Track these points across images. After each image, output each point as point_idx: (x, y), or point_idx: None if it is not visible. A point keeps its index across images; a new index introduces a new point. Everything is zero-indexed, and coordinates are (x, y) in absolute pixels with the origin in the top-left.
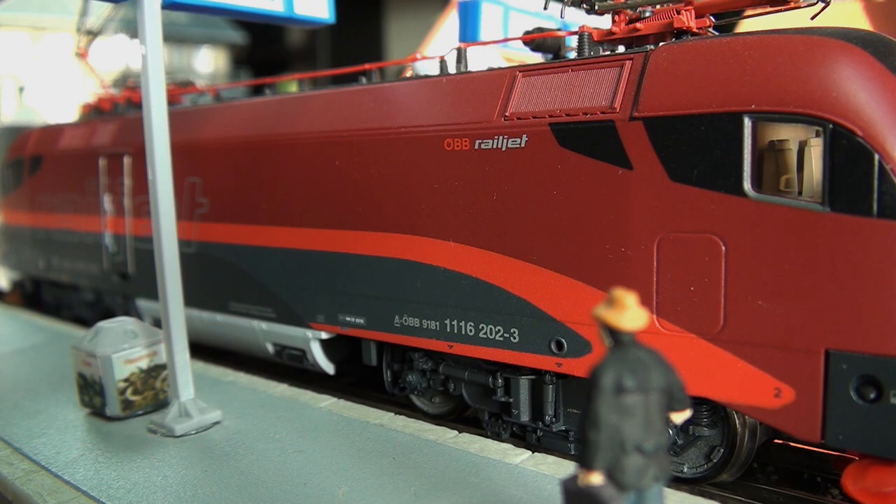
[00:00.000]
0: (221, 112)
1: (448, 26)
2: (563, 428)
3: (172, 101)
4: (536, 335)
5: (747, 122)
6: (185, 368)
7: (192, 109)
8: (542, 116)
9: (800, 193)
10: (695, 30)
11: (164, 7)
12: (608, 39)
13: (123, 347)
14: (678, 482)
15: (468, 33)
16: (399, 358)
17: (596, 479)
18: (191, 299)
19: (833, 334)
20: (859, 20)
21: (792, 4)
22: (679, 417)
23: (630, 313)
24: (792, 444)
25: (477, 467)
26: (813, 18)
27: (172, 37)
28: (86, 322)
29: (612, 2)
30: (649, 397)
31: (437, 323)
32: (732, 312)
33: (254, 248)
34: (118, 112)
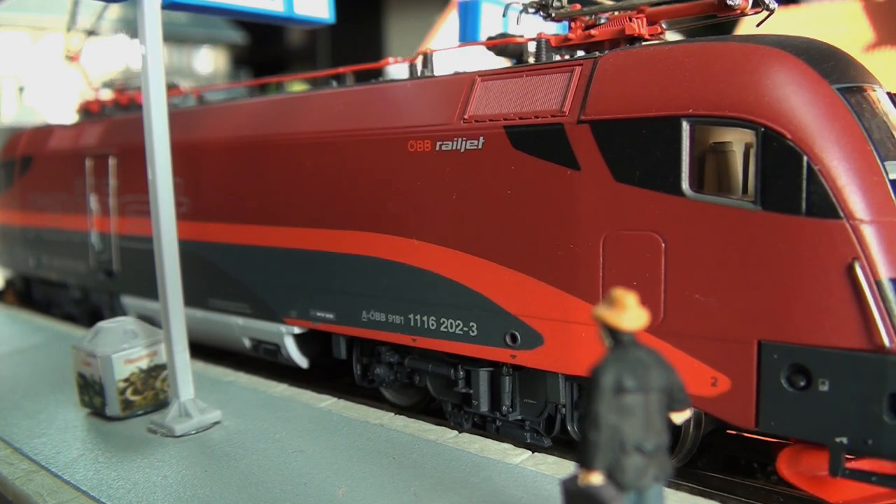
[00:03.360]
0: (201, 115)
1: (448, 26)
2: (520, 417)
3: None
4: (493, 328)
5: (685, 126)
6: (185, 368)
7: (173, 112)
8: (498, 119)
9: (745, 193)
10: (647, 37)
11: (164, 7)
12: (565, 45)
13: (123, 347)
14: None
15: (468, 33)
16: (368, 352)
17: (596, 479)
18: None
19: (765, 326)
20: (859, 20)
21: (739, 11)
22: (679, 417)
23: (630, 313)
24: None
25: (477, 467)
26: (758, 26)
27: (172, 37)
28: (74, 319)
29: (568, 9)
30: (649, 397)
31: (402, 318)
32: (672, 306)
33: (231, 246)
34: (105, 114)
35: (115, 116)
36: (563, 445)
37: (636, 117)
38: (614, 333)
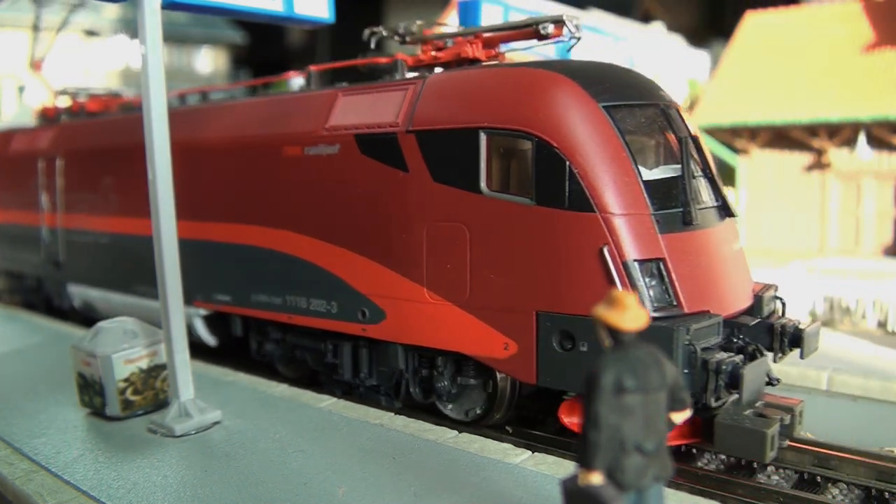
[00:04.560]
0: (130, 122)
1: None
2: (375, 383)
3: (106, 110)
4: (348, 306)
5: (482, 136)
6: (185, 368)
7: (108, 119)
8: (351, 129)
9: (525, 191)
10: (483, 58)
11: (164, 7)
12: (418, 65)
13: (123, 347)
14: (458, 424)
15: None
16: (260, 330)
17: (596, 479)
18: (108, 282)
19: (541, 299)
20: (859, 20)
21: (552, 39)
22: (679, 417)
23: (631, 313)
24: (793, 444)
25: (477, 467)
26: (568, 51)
27: (172, 37)
28: (33, 307)
29: (419, 35)
30: (649, 397)
31: (280, 298)
32: (474, 284)
33: (148, 238)
34: (58, 120)
35: (64, 122)
36: (562, 446)
37: (448, 128)
38: (614, 333)
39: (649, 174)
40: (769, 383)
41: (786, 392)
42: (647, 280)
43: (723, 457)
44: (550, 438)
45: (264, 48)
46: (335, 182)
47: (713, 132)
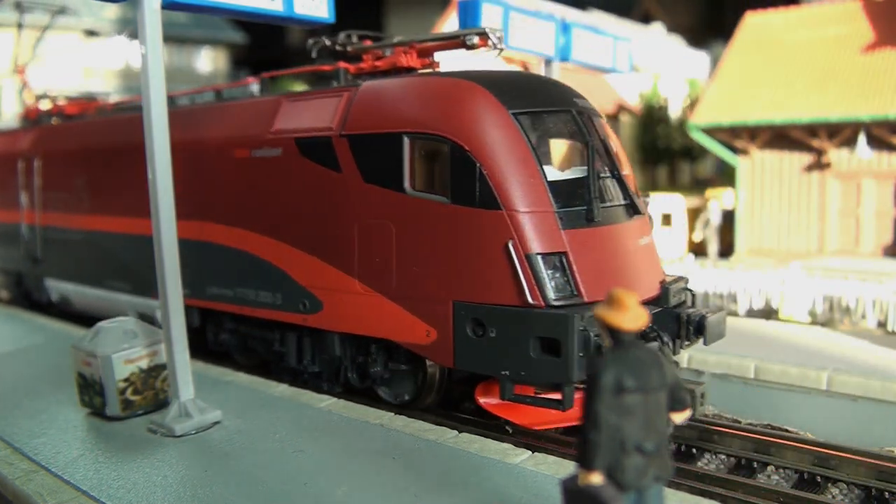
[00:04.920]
0: (102, 124)
1: (449, 26)
2: (318, 370)
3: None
4: (291, 298)
5: (405, 140)
6: (185, 368)
7: (82, 122)
8: (292, 133)
9: (442, 190)
10: (417, 67)
11: (164, 7)
12: (360, 73)
13: (123, 347)
14: (394, 407)
15: None
16: (217, 321)
17: (596, 479)
18: (81, 277)
19: (456, 290)
20: (859, 20)
21: (478, 48)
22: (679, 417)
23: (631, 313)
24: (786, 442)
25: (477, 467)
26: (497, 57)
27: (172, 37)
28: (17, 302)
29: (360, 45)
30: (649, 397)
31: (232, 291)
32: (399, 276)
33: (116, 235)
34: (39, 122)
35: (44, 124)
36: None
37: (376, 133)
38: (614, 333)
39: (554, 175)
40: None
41: (785, 391)
42: (549, 272)
43: (723, 456)
44: (550, 438)
45: (264, 48)
46: (279, 182)
47: (713, 132)
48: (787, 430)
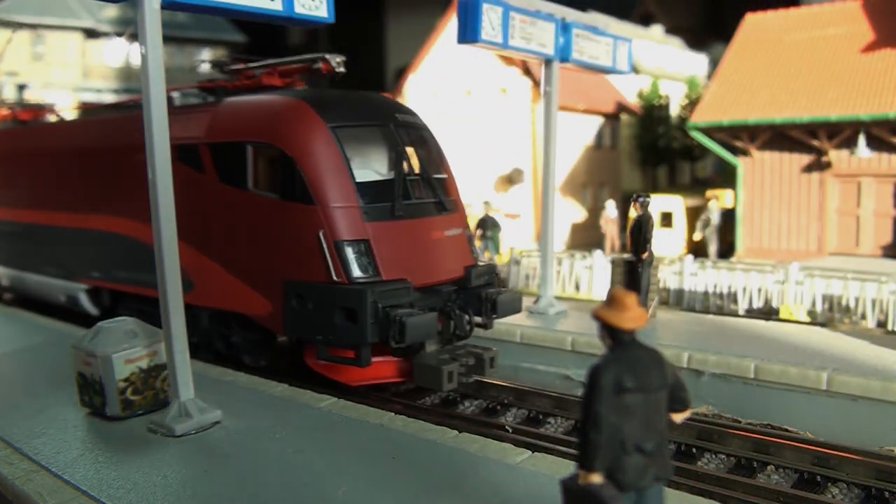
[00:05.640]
0: (43, 130)
1: (450, 27)
2: (195, 341)
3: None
4: None
5: (249, 148)
6: (185, 368)
7: (28, 128)
8: (174, 140)
9: (274, 189)
10: (279, 85)
11: (164, 7)
12: (235, 89)
13: (123, 347)
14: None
15: (468, 33)
16: (125, 302)
17: (596, 478)
18: (23, 264)
19: (286, 270)
20: (859, 20)
21: (324, 72)
22: (679, 417)
23: (631, 313)
24: (783, 441)
25: (477, 467)
26: (337, 79)
27: (173, 37)
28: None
29: (234, 66)
30: (649, 397)
31: (130, 274)
32: (247, 260)
33: (48, 227)
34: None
35: (6, 128)
36: (565, 443)
37: (227, 141)
38: (614, 333)
39: (363, 177)
40: (458, 335)
41: (785, 391)
42: (354, 255)
43: (723, 456)
44: (551, 438)
45: (264, 48)
46: None
47: (713, 132)
48: (786, 430)
